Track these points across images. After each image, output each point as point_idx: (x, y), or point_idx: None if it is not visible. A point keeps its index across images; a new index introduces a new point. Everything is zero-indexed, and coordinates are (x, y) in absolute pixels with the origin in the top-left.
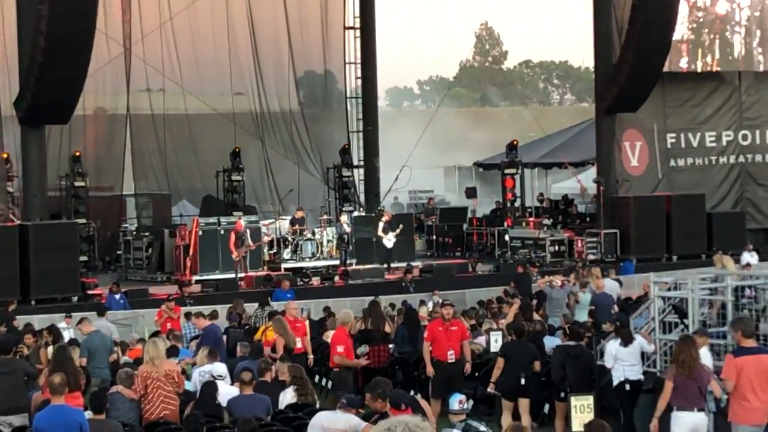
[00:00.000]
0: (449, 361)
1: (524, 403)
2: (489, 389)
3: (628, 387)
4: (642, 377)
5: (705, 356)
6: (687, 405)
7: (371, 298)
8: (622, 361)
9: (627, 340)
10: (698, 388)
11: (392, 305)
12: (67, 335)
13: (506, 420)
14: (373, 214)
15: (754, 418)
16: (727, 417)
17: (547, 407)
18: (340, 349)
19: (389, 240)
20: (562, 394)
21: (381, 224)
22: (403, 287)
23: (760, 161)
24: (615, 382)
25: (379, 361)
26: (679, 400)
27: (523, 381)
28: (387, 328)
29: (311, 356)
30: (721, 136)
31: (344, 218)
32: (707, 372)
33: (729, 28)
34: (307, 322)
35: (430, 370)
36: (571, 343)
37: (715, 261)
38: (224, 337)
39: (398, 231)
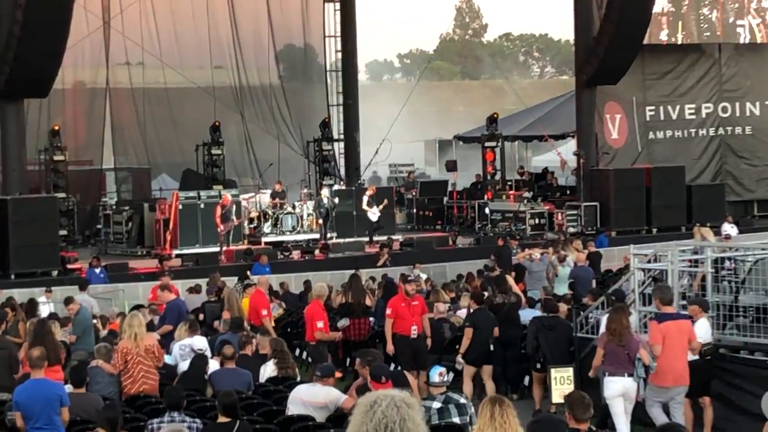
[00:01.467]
0: (413, 336)
1: (487, 369)
2: (458, 359)
3: None
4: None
5: (706, 327)
6: (617, 370)
7: (351, 271)
8: None
9: None
10: (627, 355)
11: (373, 278)
12: (47, 309)
13: (468, 386)
14: (354, 188)
15: (673, 380)
16: None
17: (527, 380)
18: (320, 324)
19: (374, 213)
20: (538, 365)
21: (365, 198)
22: (383, 265)
23: (739, 133)
24: None
25: (360, 335)
26: (609, 366)
27: (492, 347)
28: (368, 302)
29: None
30: (700, 109)
31: (325, 191)
32: (636, 340)
33: (708, 1)
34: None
35: (390, 348)
36: (546, 314)
37: (695, 233)
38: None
39: (383, 205)
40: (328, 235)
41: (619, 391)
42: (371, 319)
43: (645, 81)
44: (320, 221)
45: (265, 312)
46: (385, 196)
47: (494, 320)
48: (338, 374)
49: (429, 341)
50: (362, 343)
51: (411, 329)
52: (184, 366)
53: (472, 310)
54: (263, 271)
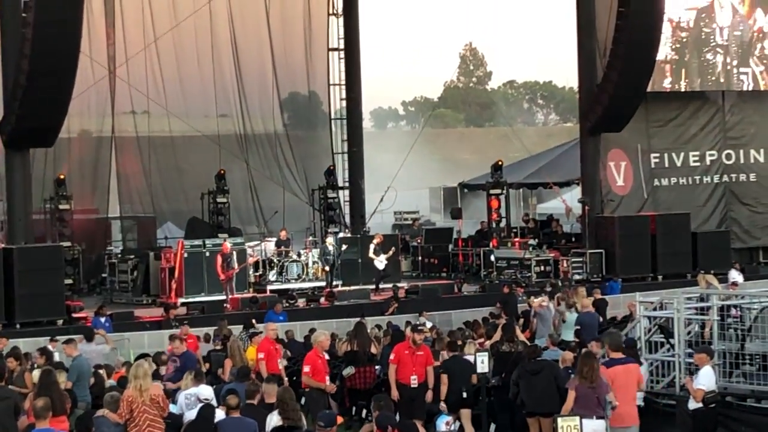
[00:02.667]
0: (412, 386)
1: (466, 414)
2: (441, 407)
3: None
4: (642, 403)
5: (710, 374)
6: (587, 413)
7: (357, 319)
8: None
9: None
10: (597, 398)
11: (378, 326)
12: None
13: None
14: (359, 236)
15: (621, 420)
16: None
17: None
18: (306, 369)
19: (380, 262)
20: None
21: (372, 246)
22: (387, 311)
23: (744, 180)
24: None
25: (366, 383)
26: (579, 409)
27: (464, 395)
28: (373, 349)
29: (285, 379)
30: (704, 156)
31: (330, 239)
32: (605, 383)
33: (711, 48)
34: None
35: (395, 394)
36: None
37: (699, 281)
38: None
39: (390, 253)
40: (334, 283)
41: None
42: (377, 367)
43: (649, 128)
44: (326, 269)
45: (261, 356)
46: (392, 243)
47: (471, 368)
48: (339, 419)
49: (430, 394)
50: (368, 391)
51: (411, 378)
52: (190, 415)
53: (447, 357)
54: (276, 319)
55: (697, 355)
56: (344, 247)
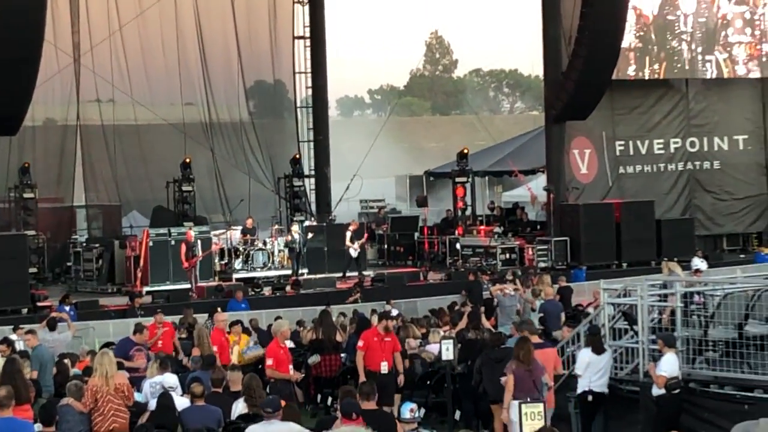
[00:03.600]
0: (382, 372)
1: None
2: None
3: (590, 398)
4: (606, 390)
5: (672, 361)
6: (524, 395)
7: (322, 307)
8: (593, 370)
9: (599, 349)
10: (533, 381)
11: (343, 314)
12: (17, 347)
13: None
14: (325, 224)
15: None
16: None
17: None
18: (269, 362)
19: (354, 249)
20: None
21: (348, 233)
22: (354, 301)
23: (708, 168)
24: (578, 391)
25: (331, 371)
26: (517, 392)
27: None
28: (338, 338)
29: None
30: (669, 143)
31: (295, 227)
32: (540, 366)
33: (675, 36)
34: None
35: (363, 380)
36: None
37: (663, 268)
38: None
39: (362, 240)
40: (300, 271)
41: None
42: (342, 355)
43: (614, 116)
44: (291, 258)
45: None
46: (364, 231)
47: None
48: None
49: (402, 378)
50: (333, 380)
51: (381, 365)
52: (155, 404)
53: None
54: (239, 307)
55: (659, 342)
56: (310, 235)
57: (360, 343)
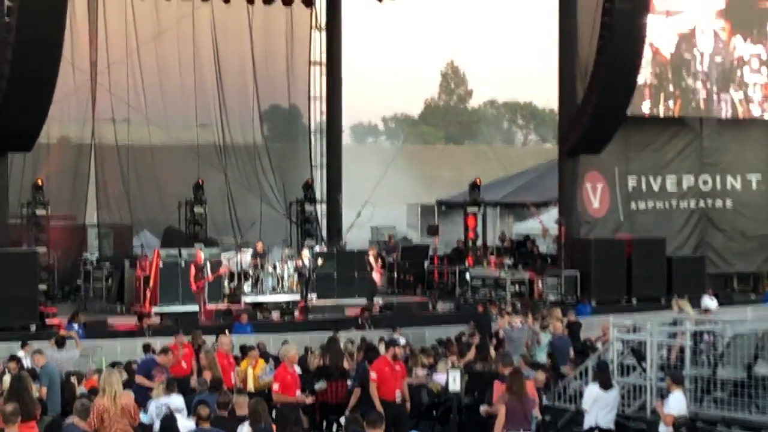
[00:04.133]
0: (397, 401)
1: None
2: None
3: None
4: (613, 426)
5: (679, 399)
6: (515, 427)
7: (330, 333)
8: (600, 406)
9: (606, 384)
10: (524, 413)
11: (351, 341)
12: (24, 364)
13: None
14: (335, 250)
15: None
16: None
17: None
18: (275, 386)
19: (377, 274)
20: None
21: (370, 259)
22: (360, 324)
23: (720, 206)
24: (585, 426)
25: (337, 397)
26: (509, 423)
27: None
28: (345, 365)
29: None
30: (681, 181)
31: (305, 253)
32: (531, 399)
33: (691, 74)
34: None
35: (380, 409)
36: None
37: (673, 305)
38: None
39: (379, 264)
40: (309, 297)
41: None
42: (349, 381)
43: (627, 152)
44: (301, 283)
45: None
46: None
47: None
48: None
49: (408, 406)
50: (339, 406)
51: (396, 394)
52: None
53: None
54: (244, 330)
55: (667, 379)
56: (320, 261)
57: (373, 375)
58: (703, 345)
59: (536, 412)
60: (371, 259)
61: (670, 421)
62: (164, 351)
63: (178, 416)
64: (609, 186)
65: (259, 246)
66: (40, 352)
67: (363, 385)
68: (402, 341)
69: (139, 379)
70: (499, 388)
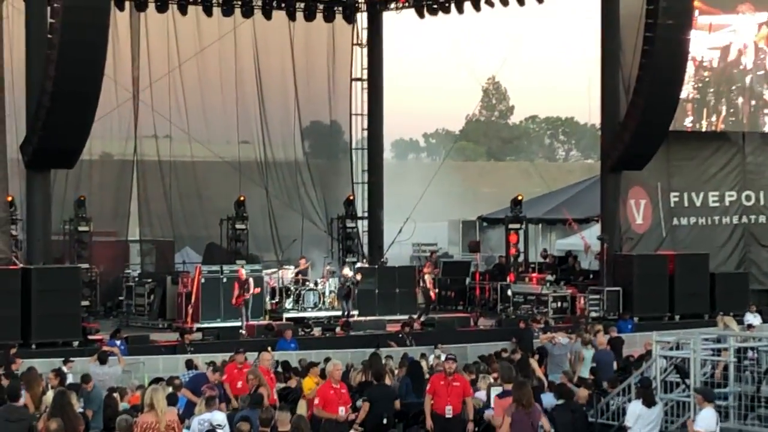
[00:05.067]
0: (447, 416)
1: None
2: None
3: None
4: None
5: (709, 416)
6: None
7: (372, 349)
8: (643, 423)
9: (650, 401)
10: (531, 423)
11: (390, 357)
12: (68, 380)
13: None
14: (376, 266)
15: None
16: None
17: None
18: (316, 401)
19: (434, 291)
20: None
21: (427, 277)
22: (400, 339)
23: (763, 222)
24: None
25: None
26: None
27: (385, 420)
28: (387, 381)
29: None
30: (724, 196)
31: (347, 270)
32: (539, 410)
33: (735, 89)
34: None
35: (429, 423)
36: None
37: (718, 322)
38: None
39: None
40: (351, 313)
41: None
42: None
43: (670, 167)
44: (342, 300)
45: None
46: (407, 275)
47: (393, 394)
48: None
49: (471, 425)
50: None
51: (445, 409)
52: None
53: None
54: (288, 347)
55: (697, 397)
56: (359, 277)
57: (428, 387)
58: (747, 361)
59: (543, 422)
60: (426, 276)
61: None
62: (218, 369)
63: None
64: (651, 201)
65: (302, 262)
66: (89, 378)
67: (370, 400)
68: (443, 358)
69: (185, 392)
70: (498, 402)
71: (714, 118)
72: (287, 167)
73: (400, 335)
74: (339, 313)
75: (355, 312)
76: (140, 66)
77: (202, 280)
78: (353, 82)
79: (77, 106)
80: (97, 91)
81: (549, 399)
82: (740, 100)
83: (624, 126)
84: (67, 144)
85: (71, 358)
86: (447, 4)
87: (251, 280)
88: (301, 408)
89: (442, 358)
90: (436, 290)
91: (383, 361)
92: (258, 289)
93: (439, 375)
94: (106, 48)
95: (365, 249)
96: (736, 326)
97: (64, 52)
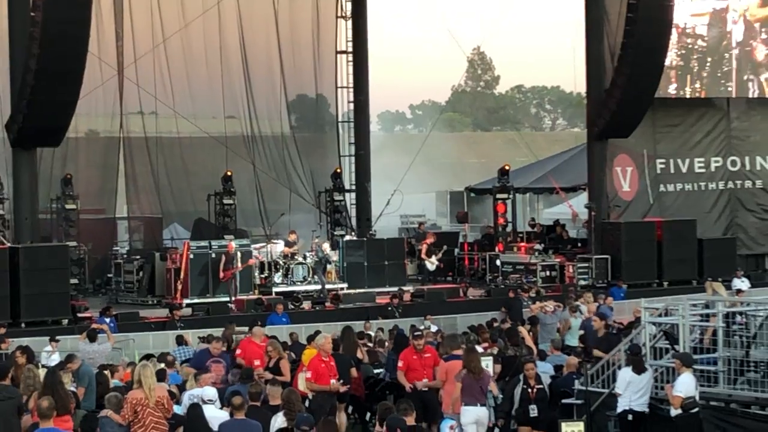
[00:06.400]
0: (423, 390)
1: (341, 406)
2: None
3: (630, 417)
4: (647, 409)
5: (687, 381)
6: (471, 401)
7: (362, 322)
8: (633, 389)
9: (640, 368)
10: (480, 388)
11: (381, 329)
12: (55, 359)
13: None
14: (365, 239)
15: (457, 407)
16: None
17: None
18: (308, 375)
19: (432, 263)
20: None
21: (424, 247)
22: (389, 311)
23: (749, 187)
24: (618, 410)
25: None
26: (466, 397)
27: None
28: (359, 354)
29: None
30: (710, 162)
31: (325, 245)
32: (488, 375)
33: (718, 54)
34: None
35: (408, 386)
36: None
37: (707, 287)
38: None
39: (440, 253)
40: (335, 286)
41: (473, 419)
42: (379, 371)
43: (655, 134)
44: (318, 272)
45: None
46: (395, 247)
47: (348, 361)
48: None
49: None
50: (357, 397)
51: (423, 382)
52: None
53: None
54: (279, 321)
55: (676, 361)
56: (335, 257)
57: (400, 363)
58: (736, 326)
59: (492, 387)
60: (424, 247)
61: (678, 403)
62: (213, 339)
63: (211, 406)
64: (638, 169)
65: (292, 236)
66: (74, 357)
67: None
68: (433, 329)
69: (190, 371)
70: (443, 366)
71: (698, 85)
72: (274, 141)
73: (389, 307)
74: (330, 286)
75: (344, 285)
76: (124, 42)
77: (191, 256)
78: (338, 55)
79: (62, 83)
80: (81, 68)
81: (540, 367)
82: (723, 65)
83: (610, 94)
84: (53, 122)
85: (57, 337)
86: None
87: (239, 254)
88: (301, 382)
89: (433, 329)
90: (434, 261)
91: (374, 334)
92: (251, 261)
93: (409, 350)
94: (89, 25)
95: (353, 221)
96: (724, 291)
97: (47, 30)
